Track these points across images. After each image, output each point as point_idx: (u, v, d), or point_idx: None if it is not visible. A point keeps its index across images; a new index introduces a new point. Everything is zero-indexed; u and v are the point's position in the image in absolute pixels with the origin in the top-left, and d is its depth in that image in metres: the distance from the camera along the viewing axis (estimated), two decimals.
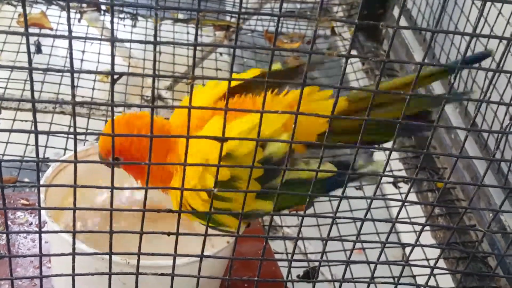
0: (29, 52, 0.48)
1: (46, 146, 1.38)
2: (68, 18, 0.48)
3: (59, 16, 1.86)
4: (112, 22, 0.47)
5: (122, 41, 0.50)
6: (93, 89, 1.56)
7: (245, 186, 0.63)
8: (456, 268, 1.17)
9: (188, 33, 1.89)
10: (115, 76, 0.51)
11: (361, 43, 1.92)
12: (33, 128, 0.53)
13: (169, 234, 0.65)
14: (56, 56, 1.67)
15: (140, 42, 0.50)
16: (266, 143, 0.76)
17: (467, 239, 1.22)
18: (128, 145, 0.81)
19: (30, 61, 0.49)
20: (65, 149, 1.38)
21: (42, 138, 1.42)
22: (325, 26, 2.12)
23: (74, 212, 0.61)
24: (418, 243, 0.70)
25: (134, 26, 1.89)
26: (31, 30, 1.63)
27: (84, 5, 1.89)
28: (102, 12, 1.94)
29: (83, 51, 1.68)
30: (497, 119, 1.21)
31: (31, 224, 1.11)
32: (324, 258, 1.17)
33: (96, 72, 0.52)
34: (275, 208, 0.60)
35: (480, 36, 0.51)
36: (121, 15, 1.91)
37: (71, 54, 0.49)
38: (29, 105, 1.53)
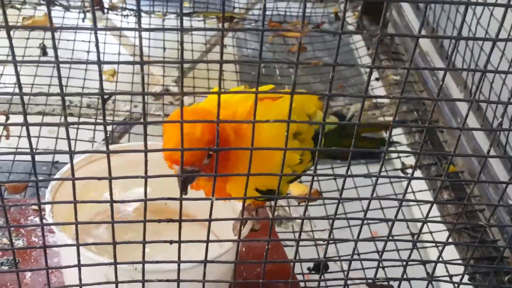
0: (18, 79, 0.49)
1: (55, 152, 1.39)
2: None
3: (63, 17, 1.87)
4: (97, 45, 0.48)
5: (108, 63, 0.50)
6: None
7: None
8: (466, 252, 1.18)
9: (191, 26, 1.89)
10: (105, 96, 0.52)
11: (365, 28, 1.91)
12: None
13: (171, 242, 0.67)
14: (61, 58, 1.67)
15: (127, 63, 0.51)
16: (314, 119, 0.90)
17: (476, 222, 1.22)
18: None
19: (20, 87, 0.50)
20: (74, 152, 1.39)
21: (51, 141, 1.43)
22: (329, 11, 2.11)
23: (77, 227, 0.63)
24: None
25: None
26: (35, 32, 1.61)
27: (87, 4, 1.90)
28: (106, 10, 1.94)
29: (88, 52, 1.69)
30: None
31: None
32: (335, 250, 1.18)
33: (85, 94, 0.54)
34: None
35: (463, 39, 0.51)
36: (124, 13, 1.91)
37: (59, 78, 0.50)
38: (37, 109, 1.55)
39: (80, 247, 0.83)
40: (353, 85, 1.77)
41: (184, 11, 1.99)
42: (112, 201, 0.61)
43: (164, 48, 1.75)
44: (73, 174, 0.57)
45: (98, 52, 0.48)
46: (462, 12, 1.35)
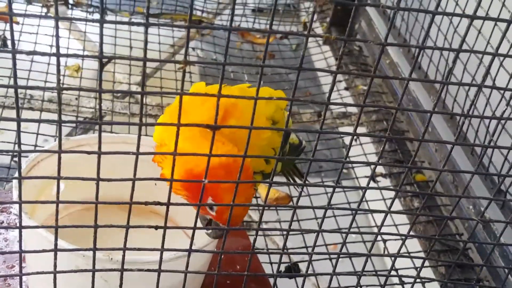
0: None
1: (15, 143, 1.33)
2: (11, 35, 0.45)
3: (25, 10, 1.81)
4: (57, 36, 0.44)
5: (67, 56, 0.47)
6: (63, 84, 1.51)
7: None
8: (437, 261, 1.17)
9: (159, 27, 1.85)
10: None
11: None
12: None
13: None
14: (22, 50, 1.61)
15: (90, 56, 0.47)
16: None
17: (446, 231, 1.22)
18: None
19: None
20: (35, 145, 1.34)
21: (11, 134, 1.36)
22: (297, 22, 2.11)
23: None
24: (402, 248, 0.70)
25: None
26: None
27: None
28: (70, 6, 1.88)
29: (51, 46, 1.63)
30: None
31: (2, 222, 1.07)
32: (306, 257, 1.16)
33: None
34: None
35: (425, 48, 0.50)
36: (90, 9, 1.86)
37: (14, 69, 0.46)
38: None
39: (48, 236, 0.79)
40: (321, 93, 1.77)
41: (152, 12, 1.95)
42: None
43: (131, 47, 1.71)
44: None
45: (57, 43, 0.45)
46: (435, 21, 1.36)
